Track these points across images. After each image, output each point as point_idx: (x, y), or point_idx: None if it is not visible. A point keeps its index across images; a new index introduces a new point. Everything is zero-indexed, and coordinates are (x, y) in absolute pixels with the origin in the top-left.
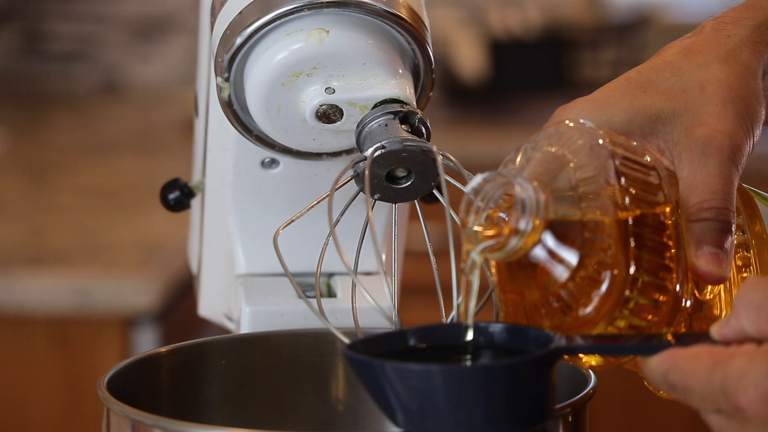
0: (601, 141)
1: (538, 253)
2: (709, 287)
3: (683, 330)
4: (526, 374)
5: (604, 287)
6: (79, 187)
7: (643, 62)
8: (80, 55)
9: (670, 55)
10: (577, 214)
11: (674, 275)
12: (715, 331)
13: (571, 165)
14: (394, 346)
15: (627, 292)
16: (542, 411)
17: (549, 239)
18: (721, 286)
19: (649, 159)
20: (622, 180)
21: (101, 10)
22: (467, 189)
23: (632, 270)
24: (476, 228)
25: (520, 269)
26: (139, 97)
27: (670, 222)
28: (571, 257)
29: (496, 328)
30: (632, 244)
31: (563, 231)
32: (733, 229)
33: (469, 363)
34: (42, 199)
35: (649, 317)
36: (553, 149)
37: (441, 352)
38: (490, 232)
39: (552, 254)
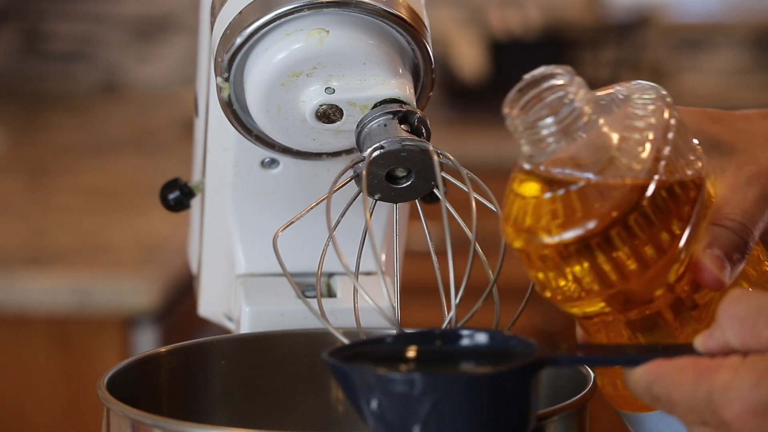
0: (667, 114)
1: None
2: (704, 292)
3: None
4: (506, 385)
5: (638, 167)
6: (79, 187)
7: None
8: (80, 55)
9: (748, 111)
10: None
11: (676, 244)
12: (699, 343)
13: (634, 113)
14: (377, 352)
15: (644, 203)
16: (523, 422)
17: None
18: (714, 300)
19: (699, 153)
20: (670, 146)
21: (101, 10)
22: (525, 76)
23: (652, 190)
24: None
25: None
26: (139, 97)
27: (692, 210)
28: (614, 138)
29: (480, 335)
30: (662, 169)
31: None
32: (746, 252)
33: (449, 371)
34: (42, 199)
35: (633, 267)
36: (623, 96)
37: (425, 359)
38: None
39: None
